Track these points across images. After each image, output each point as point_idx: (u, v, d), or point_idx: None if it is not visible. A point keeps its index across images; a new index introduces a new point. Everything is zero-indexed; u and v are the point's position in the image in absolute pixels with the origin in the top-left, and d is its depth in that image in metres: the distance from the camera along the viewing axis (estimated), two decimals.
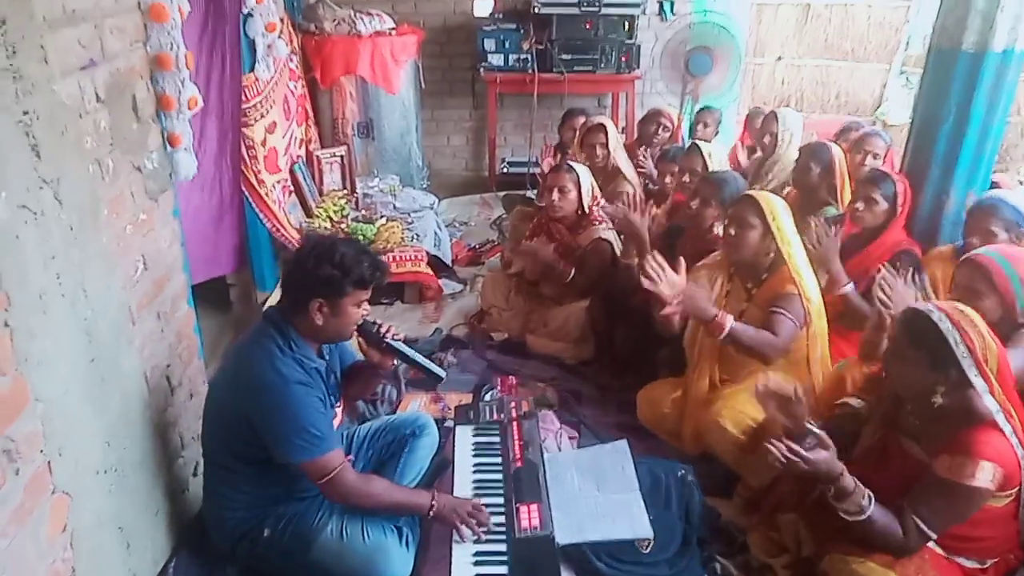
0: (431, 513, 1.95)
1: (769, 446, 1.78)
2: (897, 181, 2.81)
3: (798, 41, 6.72)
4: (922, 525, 1.76)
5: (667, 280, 2.23)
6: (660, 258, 2.27)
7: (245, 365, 1.89)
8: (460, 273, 4.20)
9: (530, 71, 5.15)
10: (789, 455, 1.76)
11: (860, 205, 2.80)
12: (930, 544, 1.81)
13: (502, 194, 5.41)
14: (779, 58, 6.84)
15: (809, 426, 1.82)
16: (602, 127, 3.75)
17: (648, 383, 2.76)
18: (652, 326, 2.62)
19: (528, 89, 5.22)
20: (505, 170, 5.64)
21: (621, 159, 3.77)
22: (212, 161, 2.83)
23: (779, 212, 2.37)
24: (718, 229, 2.82)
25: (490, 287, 3.62)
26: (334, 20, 4.41)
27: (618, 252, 3.12)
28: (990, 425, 1.74)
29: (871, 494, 1.75)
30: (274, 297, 3.33)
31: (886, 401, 1.98)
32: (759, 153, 4.08)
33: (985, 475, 1.71)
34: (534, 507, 2.03)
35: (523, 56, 5.15)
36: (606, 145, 3.73)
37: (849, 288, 2.63)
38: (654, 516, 2.10)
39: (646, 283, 2.21)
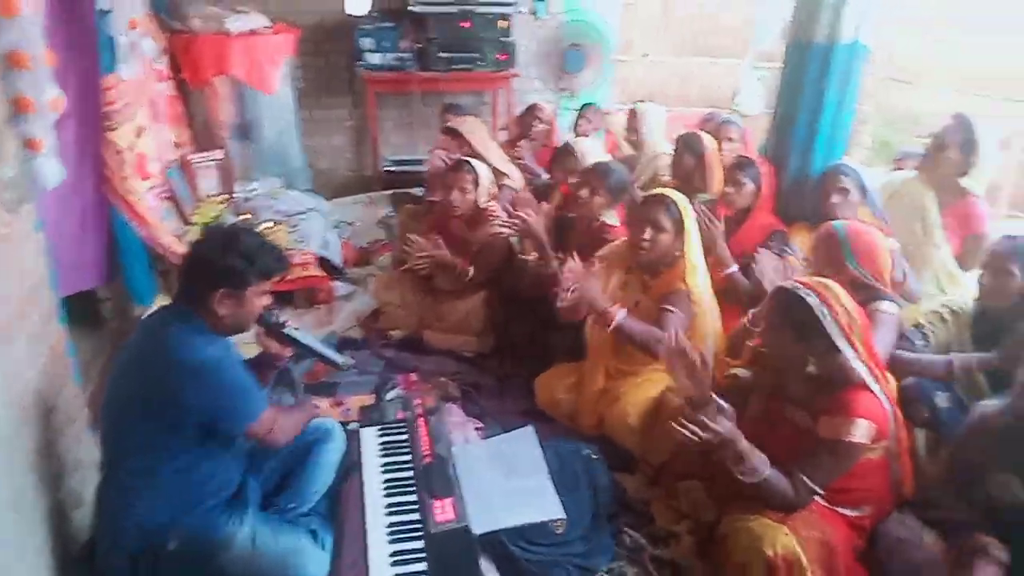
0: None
1: (678, 427, 1.85)
2: (759, 165, 3.05)
3: (661, 39, 7.06)
4: (809, 482, 1.90)
5: (579, 278, 2.31)
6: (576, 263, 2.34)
7: (164, 353, 1.82)
8: (351, 274, 4.13)
9: (410, 70, 5.13)
10: (697, 429, 1.85)
11: (731, 189, 3.01)
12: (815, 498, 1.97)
13: (389, 192, 5.36)
14: (645, 55, 7.15)
15: (720, 403, 1.91)
16: (464, 163, 3.38)
17: (545, 370, 2.83)
18: (549, 315, 2.69)
19: (408, 88, 5.20)
20: (389, 169, 5.58)
21: (495, 156, 3.77)
22: (73, 167, 2.64)
23: (690, 212, 2.50)
24: (606, 217, 2.93)
25: (383, 285, 3.59)
26: (203, 18, 4.20)
27: (515, 246, 3.17)
28: (861, 386, 1.92)
29: (765, 458, 1.88)
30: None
31: (769, 371, 2.13)
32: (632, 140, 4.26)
33: (861, 431, 1.87)
34: (447, 501, 2.03)
35: (402, 55, 5.12)
36: (474, 181, 3.32)
37: (734, 269, 2.81)
38: (564, 497, 2.16)
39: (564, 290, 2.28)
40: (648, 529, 2.24)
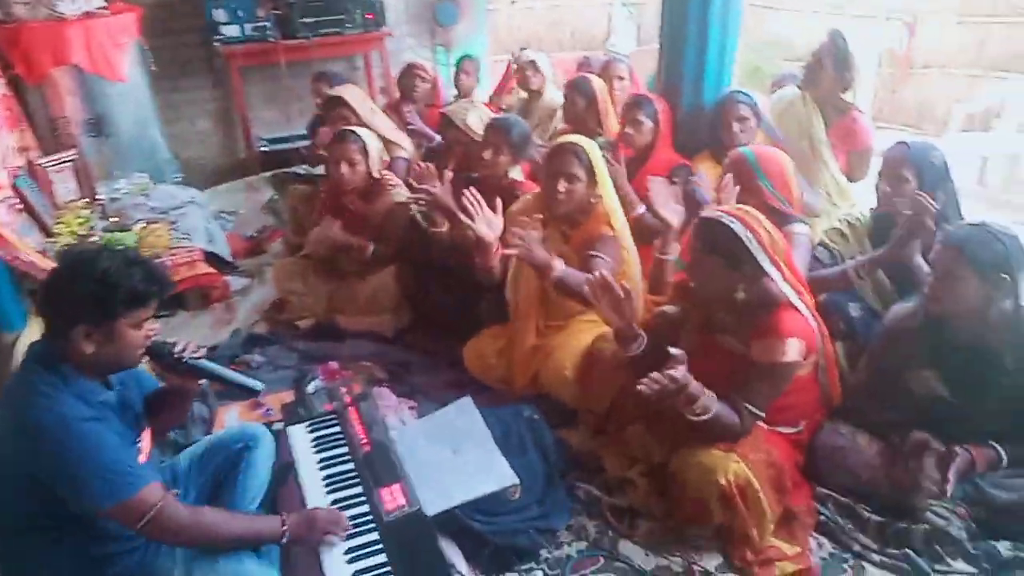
0: (285, 537, 1.76)
1: (644, 386, 1.81)
2: (655, 101, 3.04)
3: None
4: (750, 407, 1.94)
5: (485, 218, 2.22)
6: (476, 194, 2.24)
7: (19, 413, 1.55)
8: (243, 266, 3.88)
9: (272, 39, 4.80)
10: (660, 382, 1.81)
11: (630, 129, 2.99)
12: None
13: (269, 174, 5.06)
14: (513, 2, 7.03)
15: (672, 350, 1.88)
16: (349, 132, 3.16)
17: (472, 337, 2.75)
18: (468, 282, 2.60)
19: (273, 59, 4.87)
20: (265, 148, 5.25)
21: (383, 126, 3.59)
22: None
23: (599, 156, 2.44)
24: (513, 173, 2.85)
25: (283, 274, 3.38)
26: (26, 3, 3.73)
27: (418, 217, 3.03)
28: (787, 306, 1.96)
29: (713, 395, 1.90)
30: (30, 334, 2.83)
31: (697, 304, 2.14)
32: (522, 95, 4.19)
33: (793, 349, 1.91)
34: (396, 487, 1.95)
35: (260, 23, 4.77)
36: (362, 151, 3.12)
37: (642, 209, 2.81)
38: (513, 462, 2.11)
39: (472, 224, 2.18)
40: (601, 479, 2.23)
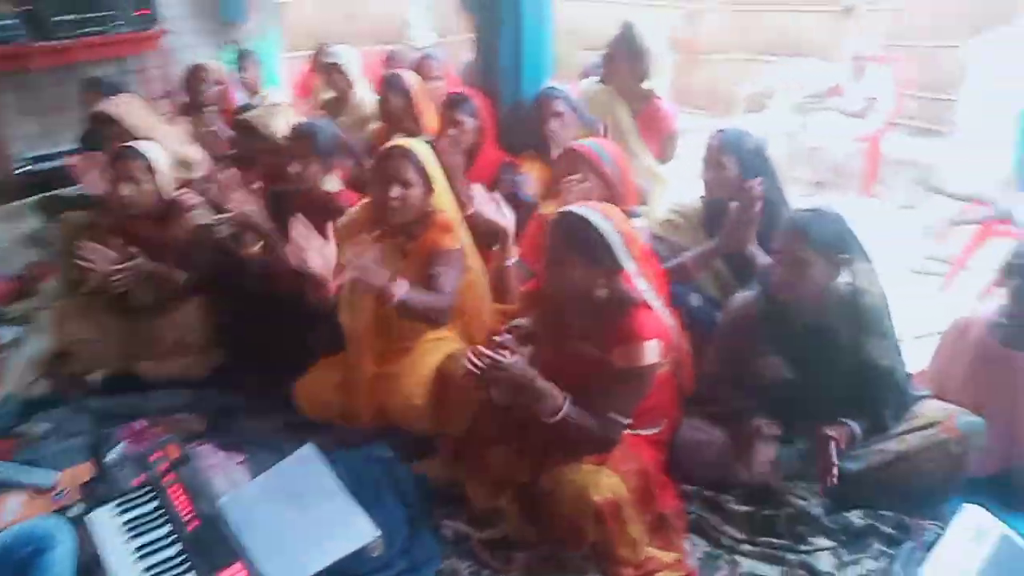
0: None
1: (468, 360, 1.71)
2: (475, 99, 2.90)
3: None
4: (615, 415, 1.86)
5: (317, 249, 1.96)
6: (306, 225, 1.97)
7: None
8: (9, 313, 3.25)
9: (21, 41, 4.08)
10: (486, 358, 1.72)
11: (453, 130, 2.83)
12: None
13: (33, 200, 4.31)
14: None
15: (497, 339, 1.77)
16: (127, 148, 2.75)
17: (304, 371, 2.46)
18: (294, 309, 2.31)
19: (27, 64, 4.15)
20: (27, 169, 4.48)
21: (168, 138, 3.13)
22: None
23: (431, 158, 2.24)
24: (329, 184, 2.58)
25: (63, 318, 2.82)
26: None
27: (223, 240, 2.66)
28: (643, 306, 1.90)
29: (565, 396, 1.80)
30: None
31: (550, 313, 2.04)
32: (330, 95, 3.88)
33: (652, 352, 1.86)
34: (235, 567, 1.68)
35: (5, 23, 4.04)
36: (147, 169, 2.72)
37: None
38: (371, 512, 1.88)
39: (294, 258, 1.90)
40: (468, 512, 2.06)
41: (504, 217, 2.32)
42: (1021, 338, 2.06)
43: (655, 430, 2.09)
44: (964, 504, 1.86)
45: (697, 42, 7.16)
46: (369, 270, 2.03)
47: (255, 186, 2.44)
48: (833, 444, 1.97)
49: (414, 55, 4.12)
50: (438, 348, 2.33)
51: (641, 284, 1.90)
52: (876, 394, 2.08)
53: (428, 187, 2.28)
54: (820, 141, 5.41)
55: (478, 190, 2.37)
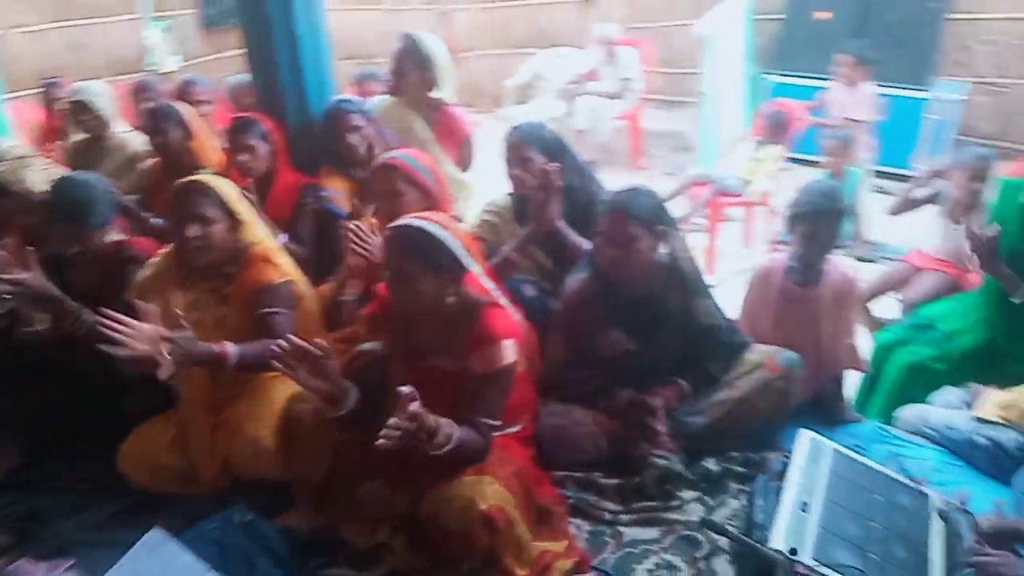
0: None
1: (382, 442, 1.57)
2: (262, 121, 2.73)
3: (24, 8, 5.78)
4: (486, 420, 1.85)
5: (140, 335, 1.72)
6: (116, 317, 1.71)
7: None
8: None
9: None
10: (400, 427, 1.60)
11: (245, 156, 2.64)
12: None
13: None
14: (12, 28, 5.79)
15: (401, 389, 1.66)
16: None
17: (125, 439, 2.16)
18: (98, 377, 2.03)
19: None
20: None
21: None
22: None
23: (232, 191, 2.03)
24: (110, 236, 2.28)
25: None
26: None
27: None
28: (493, 305, 1.90)
29: (450, 420, 1.75)
30: None
31: (398, 330, 1.97)
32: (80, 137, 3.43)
33: (509, 351, 1.86)
34: None
35: None
36: None
37: (282, 239, 2.53)
38: None
39: (118, 351, 1.65)
40: (347, 555, 1.94)
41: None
42: (811, 276, 2.36)
43: (518, 427, 2.11)
44: (798, 430, 2.09)
45: (453, 41, 7.31)
46: (192, 346, 1.83)
47: (30, 250, 2.07)
48: (659, 407, 2.14)
49: (166, 83, 3.78)
50: (278, 387, 2.16)
51: (487, 283, 1.90)
52: (706, 349, 2.27)
53: (233, 221, 2.10)
54: (586, 124, 5.78)
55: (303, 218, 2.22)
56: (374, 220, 2.42)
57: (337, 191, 2.73)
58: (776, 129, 4.32)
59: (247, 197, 2.31)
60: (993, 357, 2.48)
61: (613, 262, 2.11)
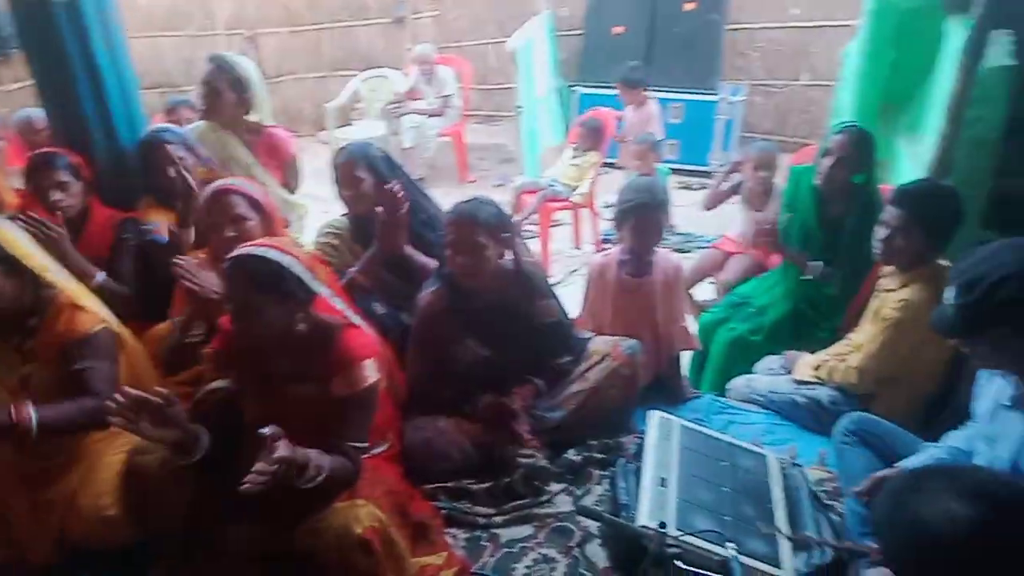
0: None
1: (247, 487, 1.49)
2: (67, 156, 2.51)
3: None
4: (354, 444, 1.81)
5: None
6: None
7: None
8: None
9: None
10: (267, 472, 1.53)
11: (59, 195, 2.42)
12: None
13: None
14: None
15: (263, 430, 1.57)
16: None
17: None
18: None
19: None
20: None
21: None
22: None
23: (19, 239, 1.82)
24: None
25: None
26: None
27: None
28: (347, 327, 1.87)
29: (316, 451, 1.70)
30: None
31: (251, 365, 1.88)
32: None
33: (371, 370, 1.84)
34: None
35: None
36: None
37: (101, 276, 2.36)
38: None
39: None
40: None
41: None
42: (643, 267, 2.54)
43: (385, 446, 2.09)
44: (647, 412, 2.24)
45: (263, 65, 7.07)
46: None
47: None
48: (518, 409, 2.21)
49: None
50: (111, 446, 1.99)
51: (339, 304, 1.87)
52: (554, 347, 2.37)
53: (15, 269, 1.89)
54: (411, 142, 5.81)
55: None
56: (201, 254, 2.31)
57: (161, 223, 2.55)
58: (593, 137, 4.59)
59: (51, 237, 2.12)
60: (800, 325, 2.80)
61: (464, 271, 2.15)
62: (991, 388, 1.74)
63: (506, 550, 2.02)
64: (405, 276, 2.48)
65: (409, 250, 2.41)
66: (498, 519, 2.11)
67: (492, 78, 7.44)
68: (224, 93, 2.92)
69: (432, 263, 2.39)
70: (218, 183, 2.21)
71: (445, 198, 2.27)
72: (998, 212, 2.93)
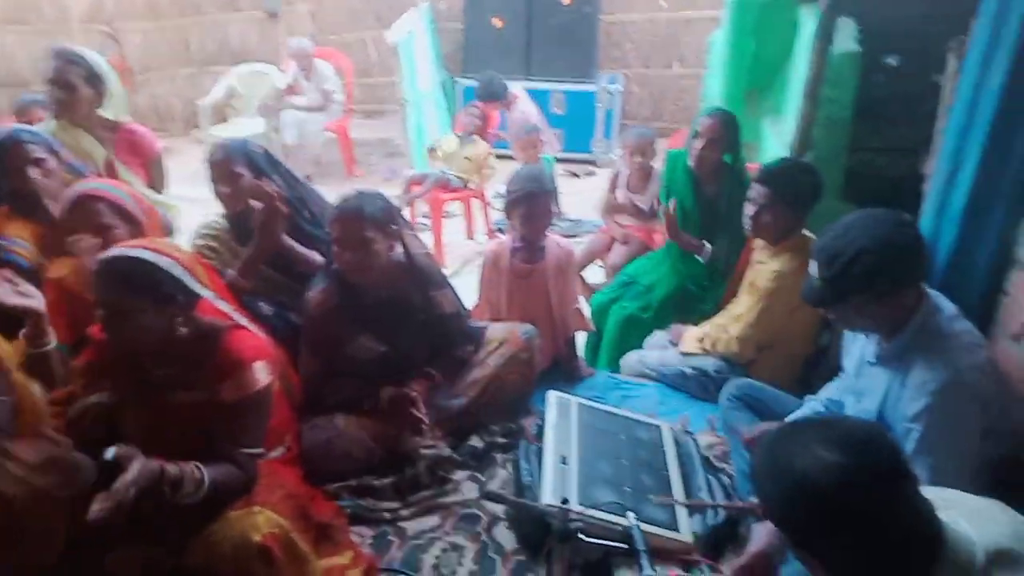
0: None
1: (97, 511, 1.41)
2: None
3: None
4: (246, 450, 1.76)
5: None
6: None
7: None
8: None
9: None
10: (112, 499, 1.45)
11: None
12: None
13: None
14: None
15: (111, 451, 1.49)
16: None
17: None
18: None
19: None
20: None
21: None
22: None
23: None
24: None
25: None
26: None
27: None
28: (234, 328, 1.80)
29: (197, 464, 1.63)
30: None
31: (128, 375, 1.78)
32: None
33: (263, 372, 1.78)
34: None
35: None
36: None
37: None
38: None
39: None
40: None
41: (27, 296, 1.88)
42: (535, 253, 2.58)
43: (283, 450, 2.03)
44: (546, 393, 2.29)
45: (127, 63, 6.65)
46: None
47: None
48: (418, 400, 2.20)
49: None
50: None
51: (224, 307, 1.80)
52: (451, 338, 2.38)
53: None
54: (293, 139, 5.64)
55: None
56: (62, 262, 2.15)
57: (20, 239, 2.35)
58: (479, 128, 4.61)
59: None
60: (684, 300, 2.93)
61: (353, 267, 2.11)
62: (856, 346, 1.89)
63: (414, 542, 2.01)
64: (292, 274, 2.41)
65: (290, 243, 2.33)
66: (404, 512, 2.10)
67: (374, 72, 7.32)
68: (79, 89, 2.72)
69: (316, 256, 2.33)
70: (81, 187, 2.07)
71: (333, 195, 2.21)
72: (852, 185, 3.17)
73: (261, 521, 1.70)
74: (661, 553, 1.81)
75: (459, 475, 2.21)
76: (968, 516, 1.06)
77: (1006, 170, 1.90)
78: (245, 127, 5.83)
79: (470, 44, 6.44)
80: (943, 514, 1.04)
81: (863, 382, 1.84)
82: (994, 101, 1.86)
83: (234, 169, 2.35)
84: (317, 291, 2.22)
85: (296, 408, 2.18)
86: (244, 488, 1.75)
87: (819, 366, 2.44)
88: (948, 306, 1.70)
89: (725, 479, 2.16)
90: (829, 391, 2.00)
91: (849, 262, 1.60)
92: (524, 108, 4.72)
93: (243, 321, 1.85)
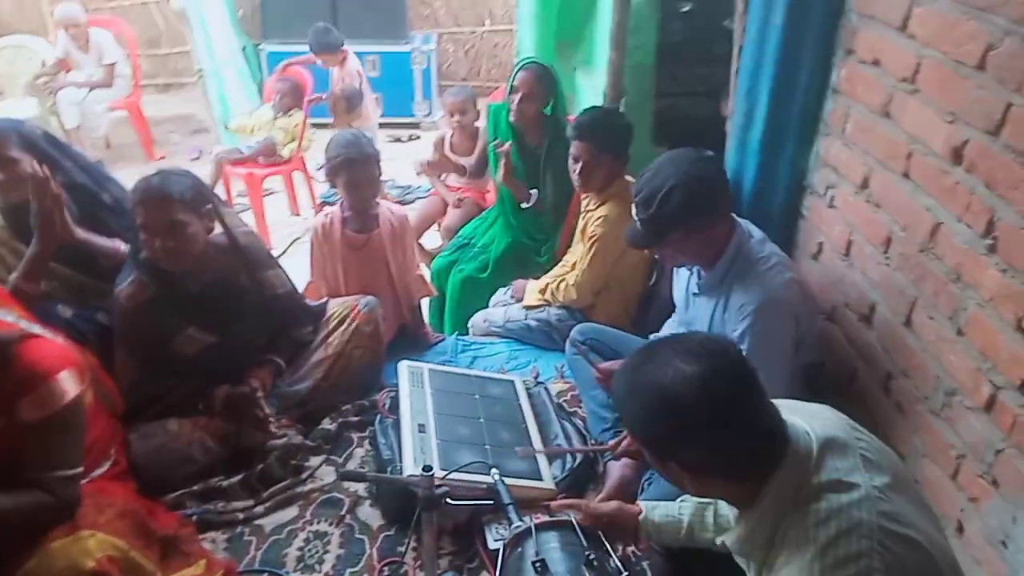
0: None
1: None
2: None
3: None
4: (60, 473, 1.56)
5: None
6: None
7: None
8: None
9: None
10: None
11: None
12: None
13: None
14: None
15: None
16: None
17: None
18: None
19: None
20: None
21: None
22: None
23: None
24: None
25: None
26: None
27: None
28: (26, 339, 1.57)
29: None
30: None
31: None
32: None
33: (69, 383, 1.57)
34: None
35: None
36: None
37: None
38: None
39: None
40: None
41: None
42: (367, 221, 2.49)
43: (109, 463, 1.83)
44: (397, 364, 2.23)
45: None
46: None
47: None
48: (257, 393, 2.08)
49: None
50: None
51: (8, 316, 1.57)
52: (287, 319, 2.25)
53: None
54: (75, 120, 5.04)
55: None
56: None
57: None
58: (292, 97, 4.35)
59: None
60: (521, 255, 2.96)
61: (167, 254, 1.91)
62: (682, 281, 2.00)
63: (274, 538, 1.90)
64: (95, 271, 2.16)
65: (86, 235, 2.07)
66: (259, 509, 1.97)
67: (163, 41, 6.68)
68: None
69: (123, 247, 2.10)
70: None
71: (134, 180, 1.97)
72: (662, 129, 3.34)
73: (92, 545, 1.53)
74: (527, 503, 1.84)
75: (314, 461, 2.11)
76: (805, 418, 1.16)
77: (793, 105, 2.07)
78: (13, 110, 5.10)
79: (269, 5, 6.03)
80: (786, 415, 1.13)
81: (691, 312, 1.96)
82: (778, 40, 2.01)
83: (8, 153, 2.03)
84: (126, 285, 2.00)
85: (119, 417, 1.97)
86: (60, 517, 1.55)
87: (652, 304, 2.57)
88: (757, 232, 1.84)
89: (579, 422, 2.23)
90: (669, 327, 2.11)
91: (662, 201, 1.69)
92: (353, 67, 4.49)
93: (35, 329, 1.62)
